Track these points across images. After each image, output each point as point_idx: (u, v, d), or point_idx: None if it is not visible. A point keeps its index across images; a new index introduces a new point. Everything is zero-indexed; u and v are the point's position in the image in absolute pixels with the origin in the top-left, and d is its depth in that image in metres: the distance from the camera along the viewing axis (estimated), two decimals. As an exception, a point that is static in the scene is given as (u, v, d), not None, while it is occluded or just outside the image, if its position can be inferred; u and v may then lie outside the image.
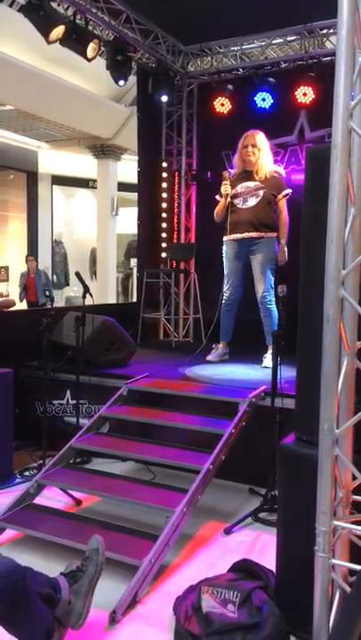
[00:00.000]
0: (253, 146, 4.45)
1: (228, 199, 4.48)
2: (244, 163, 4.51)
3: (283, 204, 4.46)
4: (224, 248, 4.60)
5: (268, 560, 2.34)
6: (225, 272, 4.63)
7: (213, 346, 4.80)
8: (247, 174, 4.50)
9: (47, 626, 1.94)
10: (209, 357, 4.73)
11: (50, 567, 2.24)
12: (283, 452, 2.21)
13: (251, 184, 4.47)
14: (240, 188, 4.49)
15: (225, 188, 4.48)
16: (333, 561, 1.78)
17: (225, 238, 4.57)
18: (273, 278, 4.46)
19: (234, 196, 4.49)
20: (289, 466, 2.19)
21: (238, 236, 4.48)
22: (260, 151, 4.46)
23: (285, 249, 4.45)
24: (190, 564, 2.73)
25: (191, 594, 2.26)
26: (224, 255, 4.61)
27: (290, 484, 2.18)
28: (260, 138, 4.48)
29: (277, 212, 4.47)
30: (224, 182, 4.50)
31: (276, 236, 4.47)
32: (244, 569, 2.39)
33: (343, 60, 1.66)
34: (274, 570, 2.28)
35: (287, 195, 4.47)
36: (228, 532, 3.03)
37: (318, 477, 1.78)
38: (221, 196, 4.54)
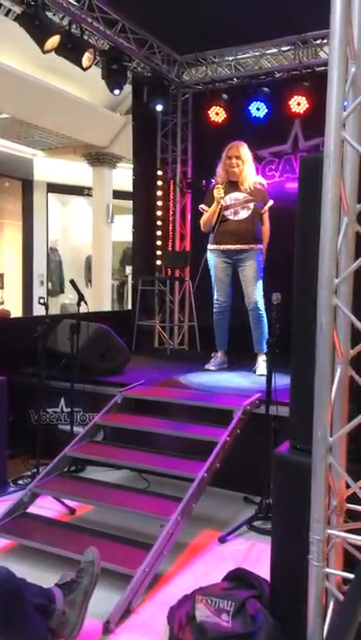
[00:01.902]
0: (237, 158, 4.48)
1: (218, 209, 4.48)
2: (228, 174, 4.53)
3: (266, 216, 4.55)
4: (210, 256, 4.62)
5: (263, 569, 2.33)
6: (213, 281, 4.67)
7: (213, 355, 4.81)
8: (233, 185, 4.52)
9: (41, 636, 1.93)
10: (208, 366, 4.74)
11: (44, 577, 2.23)
12: (277, 460, 2.21)
13: (239, 196, 4.50)
14: (229, 199, 4.50)
15: (218, 191, 4.47)
16: (327, 570, 1.78)
17: (212, 247, 4.59)
18: (262, 287, 4.50)
19: (224, 208, 4.51)
20: (283, 474, 2.18)
21: (229, 247, 4.51)
22: (244, 163, 4.50)
23: (264, 259, 4.55)
24: (184, 573, 2.72)
25: (185, 603, 2.26)
26: (211, 264, 4.64)
27: (284, 492, 2.18)
28: (244, 150, 4.52)
29: (261, 222, 4.54)
30: (217, 186, 4.50)
31: (262, 247, 4.53)
32: (239, 578, 2.39)
33: (335, 70, 1.67)
34: (268, 579, 2.27)
35: (270, 206, 4.55)
36: (222, 540, 3.02)
37: (312, 485, 1.78)
38: (208, 206, 4.55)
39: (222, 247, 4.53)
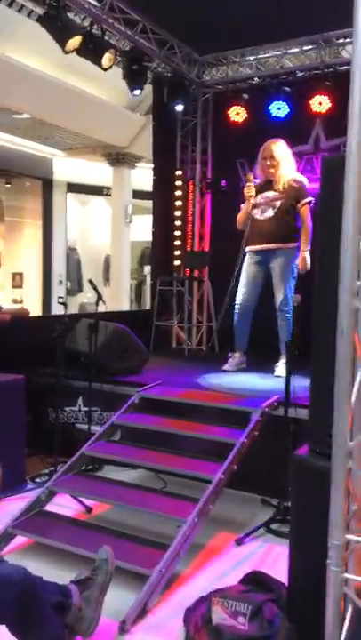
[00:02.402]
0: (271, 158, 4.42)
1: (250, 207, 4.46)
2: (265, 173, 4.50)
3: (305, 213, 4.36)
4: (245, 257, 4.57)
5: (280, 572, 2.31)
6: (242, 281, 4.60)
7: (230, 355, 4.78)
8: (269, 184, 4.49)
9: (57, 634, 1.94)
10: (225, 367, 4.71)
11: (60, 575, 2.24)
12: (296, 464, 2.19)
13: (270, 194, 4.46)
14: (260, 198, 4.48)
15: (248, 189, 4.45)
16: (346, 575, 1.75)
17: (246, 249, 4.55)
18: (293, 288, 4.41)
19: (253, 207, 4.48)
20: (302, 477, 2.16)
21: (257, 247, 4.48)
22: (280, 162, 4.42)
23: (307, 258, 4.35)
24: (201, 574, 2.71)
25: (201, 605, 2.25)
26: (244, 264, 4.59)
27: (303, 496, 2.16)
28: (278, 148, 4.43)
29: (300, 220, 4.40)
30: (248, 184, 4.48)
31: (297, 246, 4.40)
32: (256, 581, 2.38)
33: (358, 69, 1.65)
34: (285, 582, 2.25)
35: (309, 203, 4.35)
36: (239, 542, 3.01)
37: (331, 490, 1.76)
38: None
39: (251, 248, 4.52)
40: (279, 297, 4.43)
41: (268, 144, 4.45)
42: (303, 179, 4.53)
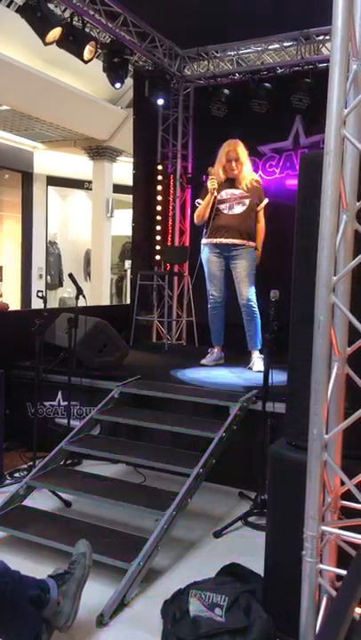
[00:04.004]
0: (236, 160, 4.48)
1: (213, 202, 4.48)
2: (227, 174, 4.54)
3: (262, 213, 4.57)
4: (204, 250, 4.61)
5: (257, 564, 2.34)
6: (207, 276, 4.66)
7: (209, 350, 4.82)
8: (231, 182, 4.53)
9: (35, 628, 1.94)
10: (203, 361, 4.74)
11: (39, 570, 2.23)
12: (272, 457, 2.22)
13: (236, 192, 4.51)
14: (225, 194, 4.51)
15: (212, 182, 4.47)
16: (321, 566, 1.79)
17: (205, 241, 4.58)
18: (254, 283, 4.51)
19: (219, 202, 4.51)
20: (278, 470, 2.19)
21: (222, 240, 4.50)
22: (243, 164, 4.52)
23: (259, 255, 4.57)
24: (179, 567, 2.73)
25: (179, 597, 2.27)
26: (204, 258, 4.63)
27: (279, 489, 2.19)
28: (242, 150, 4.52)
29: (256, 220, 4.55)
30: (211, 177, 4.50)
31: (255, 245, 4.55)
32: (233, 573, 2.41)
33: (337, 67, 1.67)
34: (262, 574, 2.28)
35: (265, 204, 4.59)
36: (217, 535, 3.03)
37: (307, 482, 1.78)
38: (203, 199, 4.55)
39: (215, 241, 4.53)
40: (244, 293, 4.48)
41: (233, 147, 4.50)
42: (260, 179, 4.75)
